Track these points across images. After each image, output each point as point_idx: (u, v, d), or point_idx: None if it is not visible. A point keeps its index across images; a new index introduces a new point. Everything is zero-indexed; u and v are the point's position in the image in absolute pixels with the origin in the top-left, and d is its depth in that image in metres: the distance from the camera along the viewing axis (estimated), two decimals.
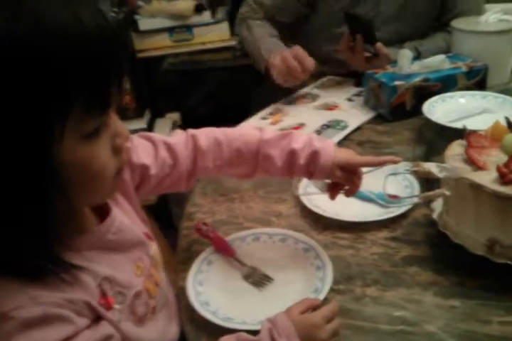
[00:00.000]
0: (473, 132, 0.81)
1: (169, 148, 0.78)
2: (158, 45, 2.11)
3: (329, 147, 0.80)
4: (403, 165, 0.86)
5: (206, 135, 0.81)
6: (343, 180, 0.81)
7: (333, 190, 0.84)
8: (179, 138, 0.81)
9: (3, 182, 0.48)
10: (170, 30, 2.11)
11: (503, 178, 0.71)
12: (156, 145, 0.78)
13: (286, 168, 0.81)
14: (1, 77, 0.45)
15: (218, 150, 0.80)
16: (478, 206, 0.74)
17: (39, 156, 0.48)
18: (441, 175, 0.78)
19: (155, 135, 0.80)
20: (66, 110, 0.48)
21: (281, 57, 1.38)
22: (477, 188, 0.73)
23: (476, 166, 0.76)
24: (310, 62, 1.35)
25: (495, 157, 0.76)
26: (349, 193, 0.83)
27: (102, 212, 0.65)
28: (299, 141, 0.80)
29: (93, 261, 0.60)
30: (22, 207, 0.50)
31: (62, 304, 0.54)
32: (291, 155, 0.79)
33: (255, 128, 0.84)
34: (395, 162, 0.80)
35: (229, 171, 0.84)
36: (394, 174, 0.90)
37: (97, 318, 0.58)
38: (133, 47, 2.06)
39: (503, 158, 0.75)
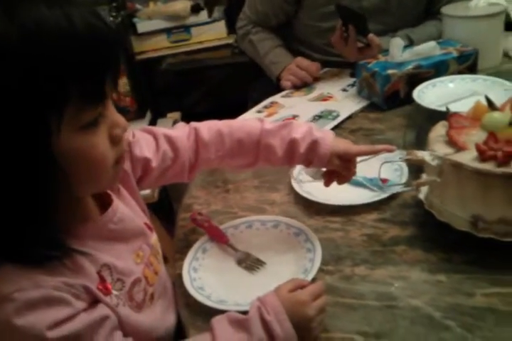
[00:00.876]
0: (455, 113, 0.83)
1: (170, 140, 0.81)
2: (157, 47, 2.15)
3: (328, 137, 0.83)
4: (397, 154, 0.88)
5: (208, 127, 0.84)
6: (340, 168, 0.83)
7: (328, 178, 0.87)
8: (181, 130, 0.84)
9: (5, 172, 0.52)
10: (168, 31, 2.14)
11: (482, 155, 0.73)
12: (157, 138, 0.81)
13: (287, 157, 0.83)
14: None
15: (220, 142, 0.83)
16: (460, 184, 0.76)
17: (38, 147, 0.51)
18: (433, 163, 0.79)
19: (156, 128, 0.83)
20: (62, 103, 0.51)
21: (289, 72, 1.54)
22: (458, 167, 0.74)
23: (457, 146, 0.78)
24: (316, 68, 1.53)
25: (475, 136, 0.78)
26: (343, 180, 0.86)
27: (104, 203, 0.69)
28: (299, 131, 0.82)
29: (94, 248, 0.63)
30: (24, 196, 0.53)
31: (61, 287, 0.57)
32: (292, 144, 0.82)
33: (256, 119, 0.87)
34: (389, 150, 0.83)
35: (231, 162, 0.86)
36: (388, 162, 0.92)
37: (94, 302, 0.61)
38: (132, 49, 2.10)
39: (483, 136, 0.76)
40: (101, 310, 0.61)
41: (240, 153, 0.84)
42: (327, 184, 0.87)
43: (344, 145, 0.83)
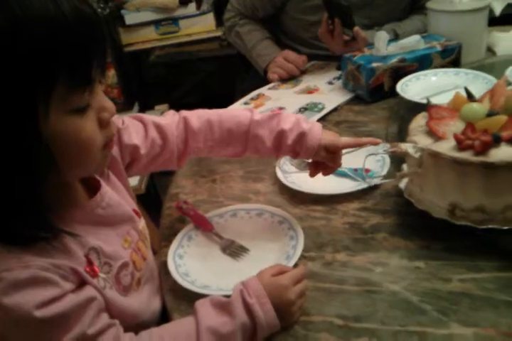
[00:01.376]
0: (434, 105, 0.85)
1: (159, 128, 0.82)
2: (145, 39, 2.16)
3: (316, 129, 0.84)
4: (381, 146, 0.89)
5: (198, 116, 0.85)
6: (326, 160, 0.85)
7: (314, 169, 0.88)
8: (170, 119, 0.84)
9: None
10: (156, 23, 2.15)
11: (459, 144, 0.75)
12: (146, 125, 0.82)
13: (275, 148, 0.85)
14: None
15: (210, 131, 0.84)
16: (439, 173, 0.78)
17: (26, 129, 0.53)
18: (416, 155, 0.81)
19: (146, 116, 0.84)
20: (49, 85, 0.52)
21: (276, 65, 1.55)
22: (436, 156, 0.77)
23: (437, 136, 0.80)
24: (302, 61, 1.54)
25: (454, 126, 0.80)
26: (329, 172, 0.88)
27: (93, 188, 0.70)
28: (288, 122, 0.84)
29: (82, 232, 0.64)
30: (14, 178, 0.54)
31: (48, 268, 0.58)
32: (280, 135, 0.83)
33: (246, 109, 0.88)
34: (374, 143, 0.85)
35: (220, 151, 0.87)
36: (373, 154, 0.93)
37: (81, 284, 0.62)
38: (120, 41, 2.10)
39: (462, 126, 0.78)
40: (88, 292, 0.62)
41: (229, 142, 0.85)
42: (312, 175, 0.89)
43: (331, 137, 0.85)
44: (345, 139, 0.85)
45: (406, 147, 0.82)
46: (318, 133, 0.83)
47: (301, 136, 0.83)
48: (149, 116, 0.84)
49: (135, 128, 0.81)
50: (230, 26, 1.69)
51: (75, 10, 0.53)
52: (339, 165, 0.87)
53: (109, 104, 0.61)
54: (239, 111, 0.89)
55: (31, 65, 0.51)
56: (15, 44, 0.50)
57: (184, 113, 0.86)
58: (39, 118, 0.53)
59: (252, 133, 0.84)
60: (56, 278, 0.58)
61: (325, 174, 0.89)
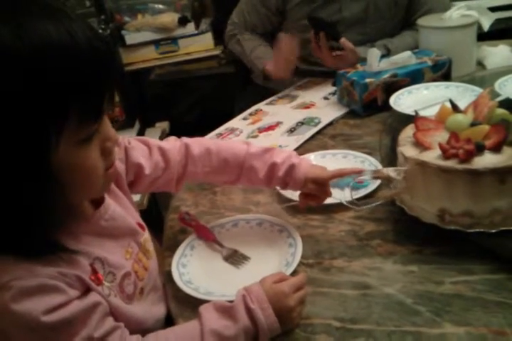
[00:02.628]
0: (421, 117, 0.89)
1: (163, 152, 0.88)
2: (145, 58, 2.21)
3: (305, 163, 0.91)
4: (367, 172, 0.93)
5: (199, 144, 0.91)
6: (315, 191, 0.91)
7: (303, 199, 0.94)
8: (172, 144, 0.90)
9: (6, 180, 0.56)
10: (156, 42, 2.20)
11: (445, 153, 0.79)
12: (151, 148, 0.87)
13: (267, 179, 0.91)
14: (4, 89, 0.52)
15: (208, 159, 0.90)
16: (427, 181, 0.82)
17: (36, 160, 0.56)
18: (399, 177, 0.85)
19: (150, 140, 0.90)
20: (62, 121, 0.55)
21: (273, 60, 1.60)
22: (423, 165, 0.81)
23: (423, 147, 0.84)
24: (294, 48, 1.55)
25: (439, 137, 0.84)
26: (318, 202, 0.94)
27: (98, 202, 0.74)
28: (280, 156, 0.91)
29: (87, 243, 0.68)
30: (23, 197, 0.58)
31: (55, 276, 0.62)
32: (272, 167, 0.90)
33: (243, 142, 0.95)
34: (357, 172, 0.90)
35: (215, 178, 0.94)
36: (360, 179, 0.97)
37: (87, 291, 0.66)
38: (121, 61, 2.16)
39: (447, 136, 0.82)
40: (93, 297, 0.65)
41: (224, 171, 0.92)
42: (302, 204, 0.95)
43: (318, 171, 0.91)
44: (330, 171, 0.91)
45: (388, 171, 0.87)
46: (306, 167, 0.90)
47: (291, 169, 0.89)
48: (154, 140, 0.90)
49: (141, 149, 0.86)
50: (231, 35, 1.76)
51: (89, 41, 0.55)
52: (328, 195, 0.92)
53: (113, 133, 0.64)
54: (236, 143, 0.96)
55: (45, 97, 0.53)
56: (33, 74, 0.52)
57: (186, 140, 0.92)
58: (50, 147, 0.55)
59: (246, 164, 0.90)
60: (63, 285, 0.62)
61: (315, 204, 0.94)
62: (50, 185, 0.58)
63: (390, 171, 0.86)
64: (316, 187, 0.90)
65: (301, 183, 0.89)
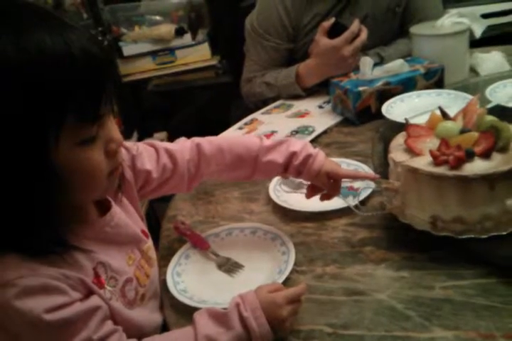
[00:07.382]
0: (412, 124, 0.91)
1: (170, 154, 0.89)
2: (143, 69, 2.24)
3: (321, 155, 0.91)
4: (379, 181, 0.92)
5: (210, 142, 0.92)
6: (325, 186, 0.92)
7: (311, 191, 0.94)
8: (181, 145, 0.91)
9: (8, 180, 0.59)
10: (153, 53, 2.23)
11: (435, 160, 0.80)
12: (158, 151, 0.89)
13: (284, 168, 0.91)
14: (3, 96, 0.55)
15: (220, 156, 0.91)
16: (418, 188, 0.83)
17: (37, 160, 0.58)
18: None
19: (158, 142, 0.92)
20: (59, 121, 0.58)
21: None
22: (415, 172, 0.82)
23: (414, 153, 0.85)
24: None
25: (430, 143, 0.85)
26: (326, 198, 0.94)
27: (104, 208, 0.76)
28: (297, 145, 0.91)
29: (91, 248, 0.70)
30: (27, 197, 0.60)
31: (59, 278, 0.63)
32: (291, 156, 0.90)
33: (255, 136, 0.95)
34: (372, 178, 0.91)
35: (230, 174, 0.94)
36: (367, 188, 0.98)
37: (89, 294, 0.67)
38: (118, 72, 2.18)
39: (437, 143, 0.84)
40: (94, 301, 0.67)
41: (238, 166, 0.92)
42: (309, 196, 0.95)
43: (333, 165, 0.91)
44: (346, 169, 0.92)
45: (397, 184, 0.86)
46: (322, 159, 0.90)
47: (308, 158, 0.89)
48: (161, 143, 0.91)
49: (148, 153, 0.87)
50: (248, 79, 1.69)
51: (84, 51, 0.58)
52: (338, 193, 0.92)
53: (117, 136, 0.67)
54: (248, 137, 0.97)
55: (42, 101, 0.56)
56: (29, 81, 0.56)
57: (197, 139, 0.93)
58: (49, 148, 0.58)
59: (261, 157, 0.90)
60: (65, 287, 0.64)
61: (323, 199, 0.94)
62: (53, 184, 0.60)
63: (397, 184, 0.87)
64: (328, 182, 0.90)
65: (315, 174, 0.89)
